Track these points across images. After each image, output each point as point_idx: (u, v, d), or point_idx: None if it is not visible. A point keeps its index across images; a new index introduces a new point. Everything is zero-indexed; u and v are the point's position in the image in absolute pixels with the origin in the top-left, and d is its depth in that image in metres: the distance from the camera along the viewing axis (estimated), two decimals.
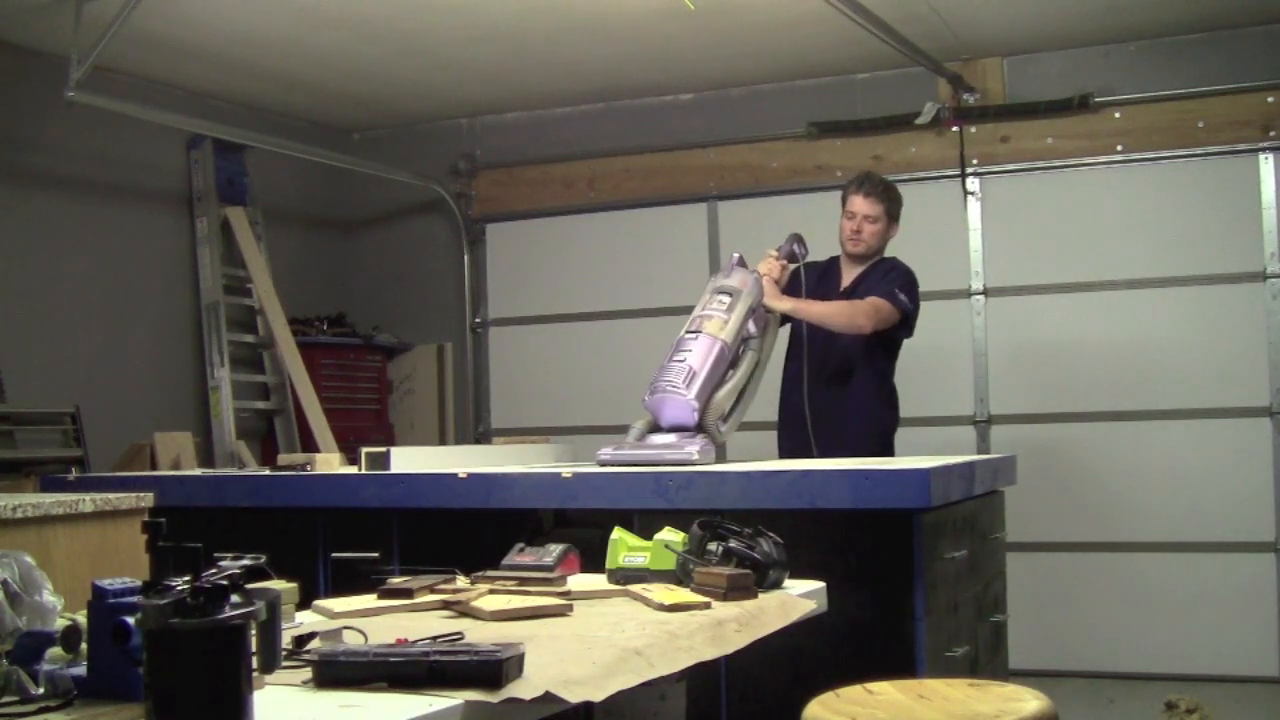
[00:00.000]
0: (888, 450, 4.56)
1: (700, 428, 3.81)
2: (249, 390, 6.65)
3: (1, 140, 5.57)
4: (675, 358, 3.87)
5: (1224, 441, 5.85)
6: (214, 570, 1.53)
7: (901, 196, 4.72)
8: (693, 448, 3.68)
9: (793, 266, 4.45)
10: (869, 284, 4.55)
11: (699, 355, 3.84)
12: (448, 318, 7.35)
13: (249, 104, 6.72)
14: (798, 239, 4.46)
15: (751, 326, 4.01)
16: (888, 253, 4.73)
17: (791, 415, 4.58)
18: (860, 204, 4.58)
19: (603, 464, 3.77)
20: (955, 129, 6.25)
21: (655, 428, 3.86)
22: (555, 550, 2.58)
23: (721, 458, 3.85)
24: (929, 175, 6.35)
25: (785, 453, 4.62)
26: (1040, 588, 5.87)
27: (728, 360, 3.91)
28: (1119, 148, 6.05)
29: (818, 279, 4.60)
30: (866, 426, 4.53)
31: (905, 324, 4.57)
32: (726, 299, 3.99)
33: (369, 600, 2.43)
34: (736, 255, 4.21)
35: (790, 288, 4.44)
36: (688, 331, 3.96)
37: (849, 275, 4.65)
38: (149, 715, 1.40)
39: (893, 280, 4.53)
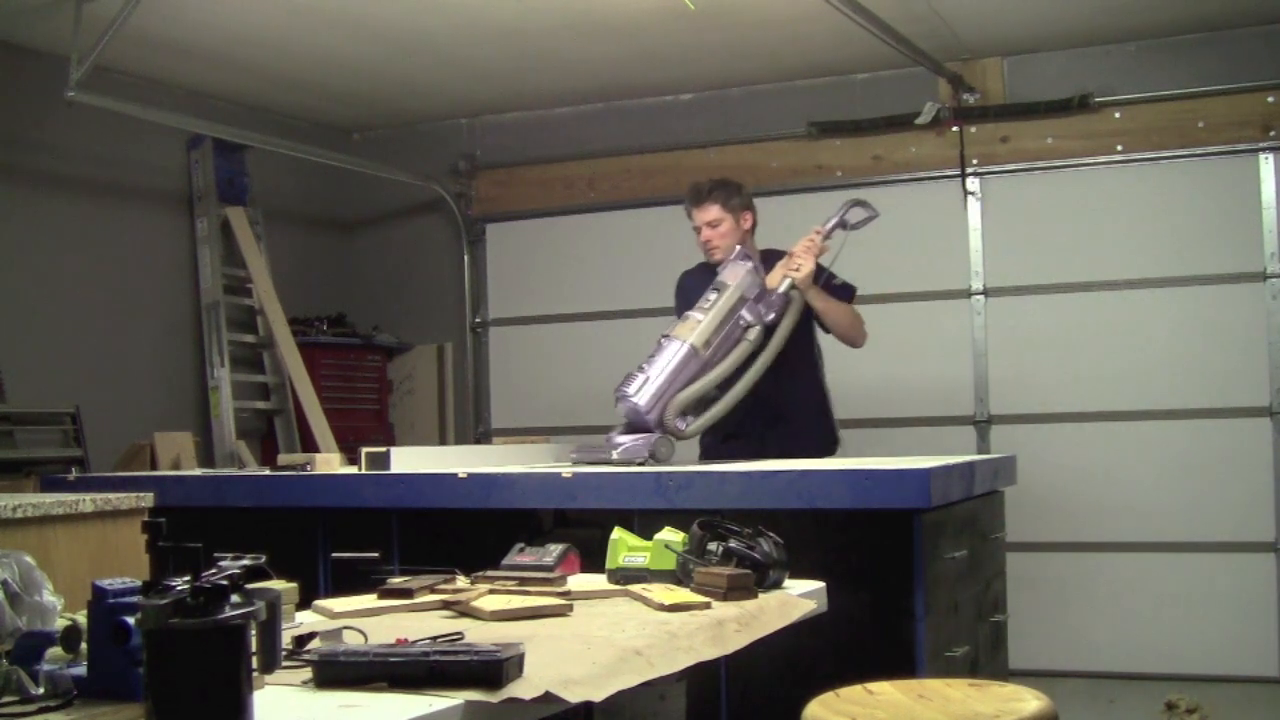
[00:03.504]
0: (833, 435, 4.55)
1: (661, 426, 3.92)
2: (249, 390, 6.65)
3: (1, 140, 5.58)
4: (641, 364, 4.02)
5: (1224, 441, 5.85)
6: (214, 570, 1.53)
7: (735, 182, 4.55)
8: (617, 448, 3.85)
9: (844, 234, 4.31)
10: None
11: (659, 362, 3.97)
12: (448, 318, 7.35)
13: (249, 104, 6.72)
14: (854, 205, 4.34)
15: (746, 315, 4.06)
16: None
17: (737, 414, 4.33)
18: (697, 216, 4.48)
19: (574, 463, 3.92)
20: (955, 129, 6.25)
21: (628, 428, 3.99)
22: (555, 550, 2.58)
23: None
24: (929, 175, 6.35)
25: (724, 453, 4.40)
26: (1040, 588, 5.87)
27: (700, 360, 3.98)
28: (1119, 148, 6.05)
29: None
30: (818, 421, 4.50)
31: None
32: (713, 295, 4.08)
33: (369, 600, 2.43)
34: (739, 247, 4.26)
35: (695, 285, 4.32)
36: (662, 335, 4.09)
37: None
38: (149, 715, 1.40)
39: (829, 276, 4.40)
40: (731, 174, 6.65)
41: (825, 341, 4.62)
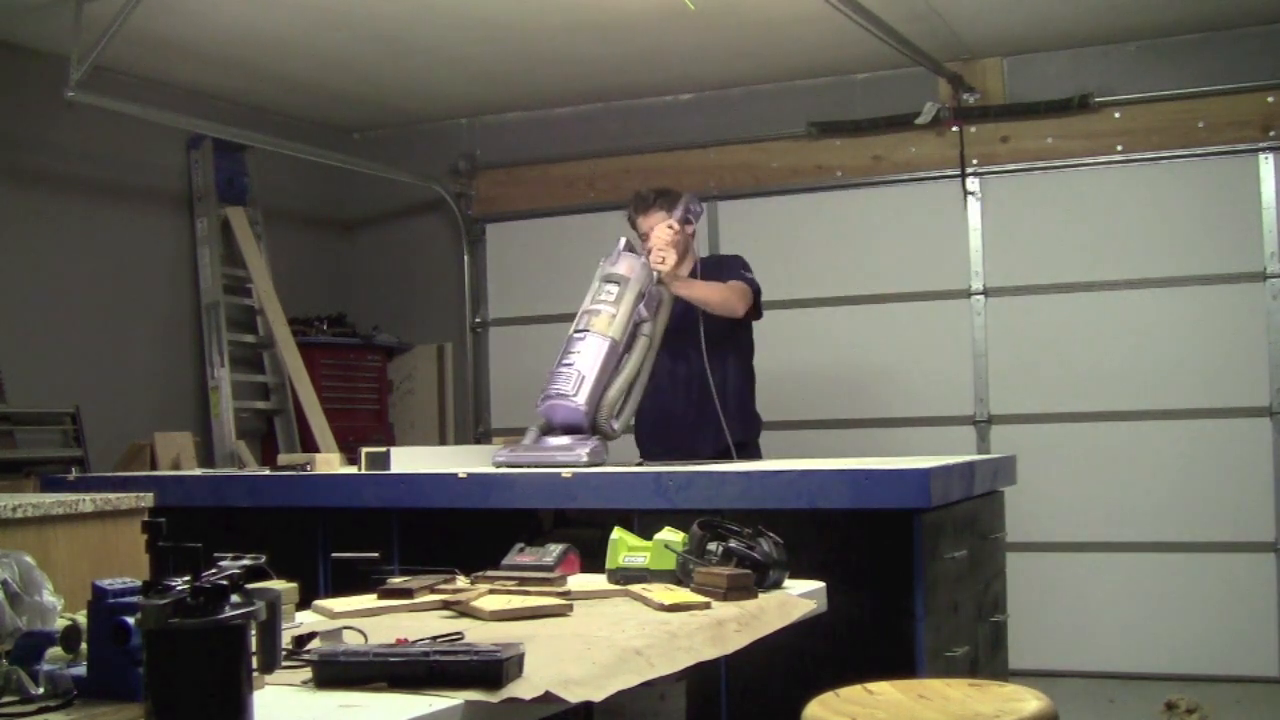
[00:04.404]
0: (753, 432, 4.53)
1: (594, 428, 3.83)
2: (249, 390, 6.65)
3: (1, 140, 5.58)
4: (564, 362, 3.89)
5: (1224, 441, 5.85)
6: (214, 570, 1.53)
7: (678, 191, 4.54)
8: (583, 450, 3.71)
9: (690, 229, 4.32)
10: (717, 280, 4.41)
11: (588, 358, 3.85)
12: (448, 318, 7.35)
13: (249, 104, 6.72)
14: (691, 199, 4.32)
15: (643, 310, 3.96)
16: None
17: (657, 413, 4.39)
18: (642, 222, 4.45)
19: (497, 465, 3.80)
20: (955, 129, 6.25)
21: (550, 429, 3.87)
22: (555, 550, 2.58)
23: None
24: (929, 175, 6.35)
25: (654, 454, 4.42)
26: (1040, 588, 5.87)
27: (618, 355, 3.90)
28: (1119, 148, 6.05)
29: None
30: (737, 417, 4.45)
31: (756, 304, 4.49)
32: (614, 289, 3.95)
33: (369, 600, 2.43)
34: (623, 240, 4.17)
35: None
36: (576, 331, 3.95)
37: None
38: (149, 715, 1.40)
39: (735, 265, 4.47)
40: (731, 174, 6.71)
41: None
